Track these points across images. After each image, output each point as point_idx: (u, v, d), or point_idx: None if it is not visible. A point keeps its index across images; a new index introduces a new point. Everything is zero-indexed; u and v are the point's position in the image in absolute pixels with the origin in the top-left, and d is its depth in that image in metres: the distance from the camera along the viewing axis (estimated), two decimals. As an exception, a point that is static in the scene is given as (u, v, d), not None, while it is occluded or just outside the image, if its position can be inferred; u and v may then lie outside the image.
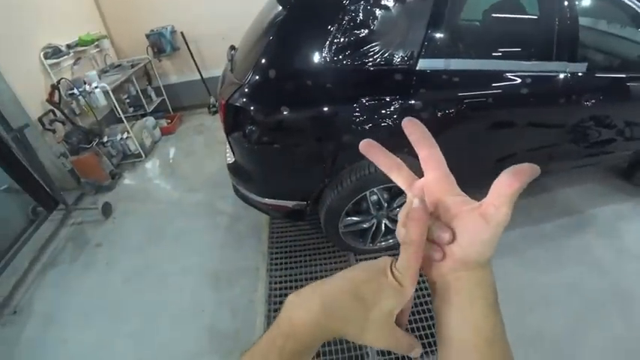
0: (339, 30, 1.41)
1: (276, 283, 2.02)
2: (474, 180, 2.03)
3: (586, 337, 1.78)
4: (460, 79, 1.58)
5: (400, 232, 0.31)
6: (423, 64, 1.51)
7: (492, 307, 0.31)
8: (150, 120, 3.57)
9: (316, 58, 1.44)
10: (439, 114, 1.58)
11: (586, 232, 2.46)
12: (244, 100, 1.49)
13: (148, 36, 3.53)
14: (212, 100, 4.06)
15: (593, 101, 1.87)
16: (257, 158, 1.65)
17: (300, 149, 1.60)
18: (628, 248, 2.33)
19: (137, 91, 3.66)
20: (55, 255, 2.45)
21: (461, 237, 0.30)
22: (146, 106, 3.72)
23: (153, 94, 3.87)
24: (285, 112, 1.47)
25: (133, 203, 2.84)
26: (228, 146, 1.97)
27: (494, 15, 1.79)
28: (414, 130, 0.34)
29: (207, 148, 3.51)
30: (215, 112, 4.09)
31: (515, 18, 1.80)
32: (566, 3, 1.64)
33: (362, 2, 1.41)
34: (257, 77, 1.48)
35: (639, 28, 1.94)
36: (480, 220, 0.28)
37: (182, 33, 3.66)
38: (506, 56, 1.68)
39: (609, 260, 2.24)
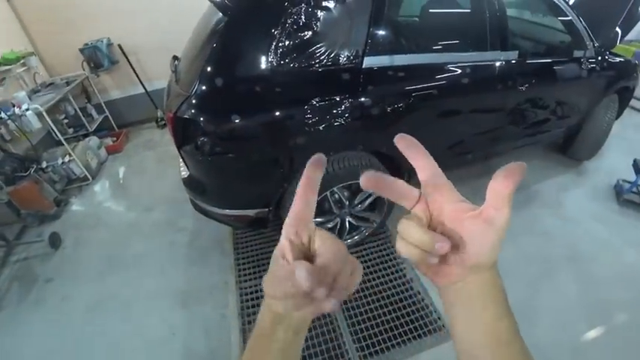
0: (283, 33, 1.40)
1: (247, 294, 1.96)
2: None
3: (545, 301, 1.93)
4: (405, 74, 1.64)
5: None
6: (368, 61, 1.55)
7: (504, 308, 0.32)
8: (93, 140, 3.32)
9: (262, 62, 1.42)
10: (389, 109, 1.62)
11: (533, 205, 2.67)
12: (193, 111, 1.43)
13: (82, 50, 3.26)
14: (159, 113, 3.87)
15: (527, 85, 2.03)
16: (212, 170, 1.59)
17: (256, 156, 1.57)
18: (571, 215, 2.57)
19: (76, 110, 3.38)
20: (-3, 299, 2.19)
21: (470, 244, 0.31)
22: (87, 125, 3.44)
23: (94, 112, 3.60)
24: (236, 120, 1.43)
25: (85, 230, 2.62)
26: (181, 160, 1.88)
27: (431, 10, 1.87)
28: (406, 144, 0.34)
29: (159, 163, 3.33)
30: (164, 126, 3.89)
31: (451, 12, 1.90)
32: (491, 1, 1.77)
33: (303, 4, 1.40)
34: (204, 87, 1.42)
35: (558, 17, 2.14)
36: (485, 225, 0.30)
37: (120, 45, 3.43)
38: (445, 49, 1.77)
39: (556, 228, 2.45)
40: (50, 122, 2.84)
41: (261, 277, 2.04)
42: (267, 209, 1.73)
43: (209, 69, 1.41)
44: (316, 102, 1.49)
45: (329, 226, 1.96)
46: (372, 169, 0.34)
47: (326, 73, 1.50)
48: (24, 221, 2.65)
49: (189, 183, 1.77)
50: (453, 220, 0.32)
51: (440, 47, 1.76)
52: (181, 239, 2.41)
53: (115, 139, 3.61)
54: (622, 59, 2.59)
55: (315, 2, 1.42)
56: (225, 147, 1.49)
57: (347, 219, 1.97)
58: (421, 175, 0.34)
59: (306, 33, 1.43)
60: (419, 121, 1.78)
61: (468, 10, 1.84)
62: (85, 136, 3.41)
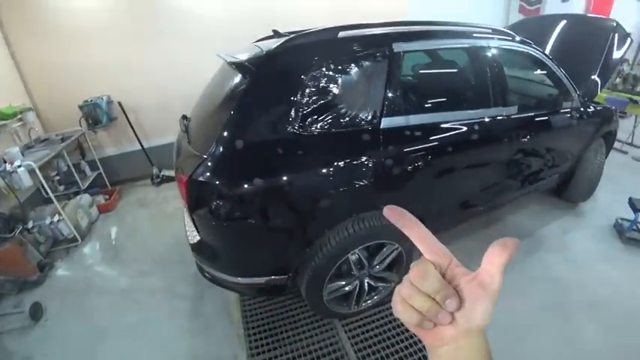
0: (304, 97, 1.43)
1: (259, 367, 1.77)
2: (440, 223, 2.08)
3: (574, 352, 1.87)
4: (421, 133, 1.68)
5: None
6: (385, 122, 1.58)
7: None
8: (85, 198, 3.17)
9: (283, 125, 1.42)
10: (408, 167, 1.64)
11: (540, 250, 2.66)
12: (210, 174, 1.38)
13: (81, 107, 3.25)
14: (155, 170, 3.79)
15: (527, 137, 2.13)
16: (228, 236, 1.50)
17: (277, 221, 1.50)
18: (579, 259, 2.57)
19: (69, 167, 3.26)
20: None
21: (468, 305, 0.32)
22: (80, 182, 3.31)
23: (87, 169, 3.49)
24: (256, 184, 1.38)
25: (71, 298, 2.38)
26: (190, 224, 1.79)
27: (439, 72, 2.00)
28: (397, 216, 0.36)
29: (154, 223, 3.17)
30: (159, 183, 3.81)
31: (457, 73, 2.03)
32: (491, 57, 1.91)
33: (323, 70, 1.45)
34: (222, 149, 1.39)
35: (546, 73, 2.32)
36: (479, 289, 0.32)
37: (120, 103, 3.46)
38: (455, 108, 1.85)
39: (567, 272, 2.42)
40: (42, 179, 2.70)
41: (275, 348, 1.87)
42: (286, 276, 1.63)
43: (228, 131, 1.39)
44: (338, 164, 1.48)
45: (347, 289, 1.85)
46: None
47: (346, 136, 1.52)
48: (1, 289, 2.40)
49: (200, 249, 1.66)
50: (452, 282, 0.34)
51: (449, 106, 1.85)
52: (182, 307, 2.22)
53: (107, 196, 3.46)
54: (602, 107, 2.80)
55: (334, 68, 1.47)
56: (245, 212, 1.43)
57: (366, 280, 1.87)
58: (420, 245, 0.35)
59: (325, 97, 1.46)
60: (435, 178, 1.80)
61: (472, 71, 1.97)
62: (77, 193, 3.26)
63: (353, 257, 1.73)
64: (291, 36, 1.50)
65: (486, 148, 1.97)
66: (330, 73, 1.47)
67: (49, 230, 2.78)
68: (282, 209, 1.48)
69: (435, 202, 1.93)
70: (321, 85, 1.45)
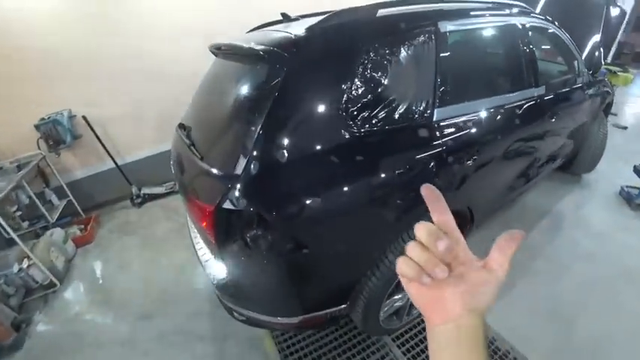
0: (353, 89, 1.17)
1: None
2: (495, 210, 1.92)
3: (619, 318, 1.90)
4: (473, 121, 1.50)
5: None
6: (438, 113, 1.37)
7: (486, 354, 0.36)
8: (57, 232, 2.69)
9: (335, 127, 1.16)
10: (467, 161, 1.45)
11: (564, 228, 2.65)
12: (247, 199, 1.08)
13: (38, 126, 2.71)
14: (134, 189, 3.34)
15: (555, 116, 2.03)
16: (277, 272, 1.20)
17: (339, 244, 1.24)
18: (600, 231, 2.59)
19: (31, 198, 2.74)
20: None
21: (468, 285, 0.35)
22: (47, 214, 2.80)
23: (54, 198, 2.97)
24: (313, 205, 1.11)
25: (60, 358, 1.98)
26: (207, 257, 1.49)
27: (482, 57, 1.82)
28: (431, 196, 0.37)
29: (144, 252, 2.76)
30: (142, 203, 3.36)
31: (498, 56, 1.87)
32: (525, 35, 1.77)
33: (370, 54, 1.20)
34: (260, 164, 1.09)
35: (562, 50, 2.24)
36: (486, 273, 0.35)
37: (84, 117, 2.95)
38: (498, 92, 1.70)
39: (596, 247, 2.43)
40: (-1, 219, 2.22)
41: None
42: (345, 305, 1.38)
43: (265, 140, 1.10)
44: (398, 168, 1.24)
45: (400, 304, 1.65)
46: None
47: (401, 133, 1.29)
48: (-33, 364, 1.95)
49: (230, 289, 1.36)
50: (459, 264, 0.36)
51: (494, 90, 1.69)
52: (203, 351, 1.89)
53: (82, 227, 2.98)
54: (603, 79, 2.79)
55: (381, 51, 1.23)
56: (300, 241, 1.14)
57: None
58: (443, 228, 0.37)
59: (376, 88, 1.22)
60: (489, 167, 1.64)
61: (510, 51, 1.82)
62: (45, 228, 2.76)
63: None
64: (325, 16, 1.21)
65: (526, 129, 1.85)
66: (378, 58, 1.21)
67: (18, 279, 2.31)
68: (344, 229, 1.22)
69: (489, 191, 1.79)
70: (369, 73, 1.20)
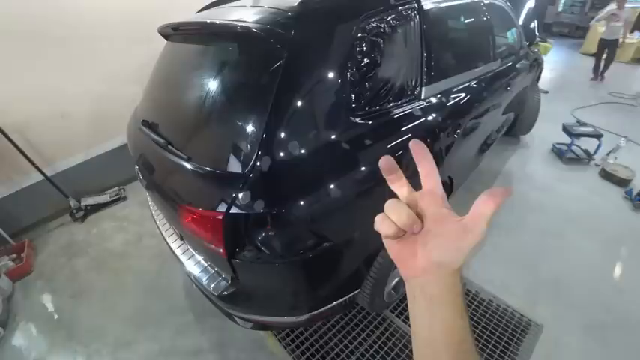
0: (355, 70, 1.10)
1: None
2: (466, 176, 2.07)
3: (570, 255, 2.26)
4: (452, 96, 1.56)
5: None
6: (426, 92, 1.40)
7: (461, 311, 0.35)
8: (-17, 268, 2.21)
9: (343, 111, 1.09)
10: (449, 132, 1.52)
11: (514, 184, 2.99)
12: (264, 200, 0.98)
13: None
14: (72, 202, 2.87)
15: (509, 85, 2.22)
16: (297, 273, 1.13)
17: (357, 231, 1.19)
18: (543, 185, 2.98)
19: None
20: None
21: (439, 240, 0.34)
22: (-35, 250, 2.28)
23: (-32, 227, 2.42)
24: (334, 194, 1.04)
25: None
26: (206, 269, 1.36)
27: (456, 34, 1.86)
28: (419, 150, 0.38)
29: (103, 271, 2.40)
30: (85, 217, 2.91)
31: (467, 34, 1.94)
32: (488, 12, 1.90)
33: (365, 30, 1.14)
34: (271, 160, 0.99)
35: (508, 24, 2.43)
36: (460, 229, 0.34)
37: (-6, 124, 2.40)
38: (470, 67, 1.78)
39: (542, 199, 2.80)
40: None
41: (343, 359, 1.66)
42: (358, 290, 1.37)
43: (275, 132, 0.99)
44: (400, 146, 1.23)
45: (397, 278, 1.71)
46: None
47: (398, 112, 1.27)
48: None
49: (239, 298, 1.25)
50: (433, 219, 0.36)
51: (467, 65, 1.77)
52: (205, 363, 1.77)
53: (14, 256, 2.49)
54: (535, 49, 3.11)
55: (377, 30, 1.17)
56: (322, 235, 1.07)
57: None
58: (424, 180, 0.38)
59: (375, 69, 1.17)
60: (467, 137, 1.74)
61: (477, 28, 1.93)
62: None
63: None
64: None
65: (490, 99, 1.99)
66: (373, 34, 1.16)
67: (-59, 333, 1.87)
68: (359, 213, 1.17)
69: (465, 159, 1.92)
70: (367, 51, 1.14)
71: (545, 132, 3.69)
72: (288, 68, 1.00)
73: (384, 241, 0.38)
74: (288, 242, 1.04)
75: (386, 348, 1.73)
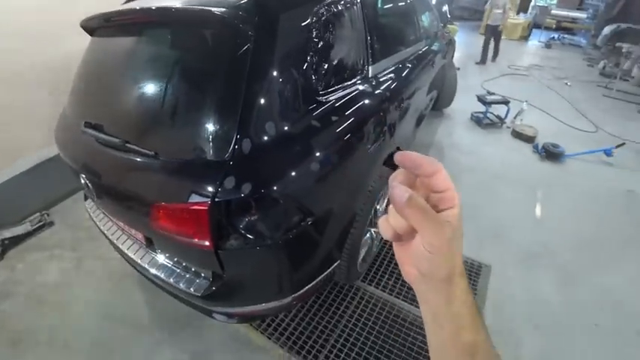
0: (315, 50, 1.15)
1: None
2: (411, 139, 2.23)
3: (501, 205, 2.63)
4: (394, 72, 1.73)
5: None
6: (372, 70, 1.54)
7: (469, 322, 0.31)
8: None
9: (311, 91, 1.13)
10: (395, 105, 1.67)
11: (445, 151, 3.36)
12: (251, 183, 0.96)
13: None
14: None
15: (434, 62, 2.48)
16: (285, 251, 1.13)
17: (335, 204, 1.24)
18: (469, 149, 3.41)
19: None
20: None
21: (414, 252, 0.31)
22: None
23: None
24: (313, 169, 1.07)
25: None
26: (175, 266, 1.30)
27: (393, 18, 2.03)
28: (408, 158, 0.32)
29: (40, 309, 2.02)
30: (3, 254, 2.45)
31: (400, 17, 2.12)
32: (410, 2, 2.14)
33: (319, 14, 1.18)
34: (251, 142, 0.98)
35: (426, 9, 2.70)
36: (420, 245, 0.29)
37: None
38: (404, 46, 1.98)
39: (470, 161, 3.22)
40: None
41: (326, 340, 1.73)
42: (339, 261, 1.43)
43: (252, 115, 0.98)
44: (359, 121, 1.32)
45: (366, 247, 1.83)
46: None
47: (353, 90, 1.36)
48: None
49: (223, 292, 1.21)
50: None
51: (402, 45, 1.96)
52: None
53: None
54: (448, 32, 3.50)
55: (329, 14, 1.23)
56: (304, 211, 1.09)
57: (373, 230, 1.92)
58: (435, 188, 0.33)
59: (331, 48, 1.23)
60: (408, 109, 1.92)
61: (407, 12, 2.14)
62: None
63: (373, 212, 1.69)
64: None
65: (422, 75, 2.23)
66: (326, 18, 1.22)
67: None
68: (335, 187, 1.23)
69: (408, 130, 2.10)
70: (322, 33, 1.19)
71: (463, 104, 4.19)
72: (257, 51, 1.00)
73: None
74: (274, 223, 1.05)
75: (365, 315, 1.83)
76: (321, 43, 1.19)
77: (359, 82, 1.42)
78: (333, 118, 1.20)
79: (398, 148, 1.95)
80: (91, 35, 1.46)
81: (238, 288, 1.23)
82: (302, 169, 1.07)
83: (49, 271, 2.33)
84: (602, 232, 2.40)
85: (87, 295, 2.12)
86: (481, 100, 3.74)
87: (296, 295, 1.29)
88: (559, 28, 9.96)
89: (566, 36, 9.37)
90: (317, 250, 1.29)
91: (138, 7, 1.19)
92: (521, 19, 9.05)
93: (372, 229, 1.90)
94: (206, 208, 0.94)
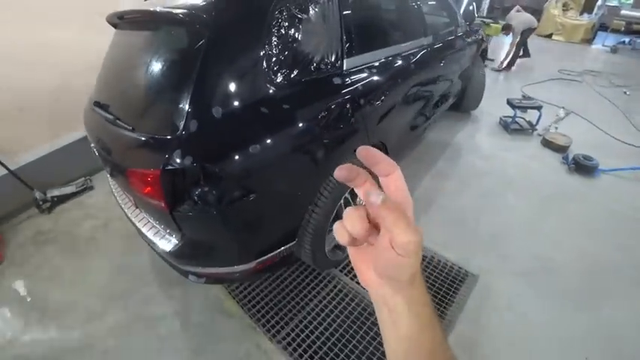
0: (272, 46, 1.27)
1: (289, 344, 1.72)
2: (405, 144, 2.28)
3: (509, 215, 2.50)
4: (375, 68, 1.74)
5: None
6: (347, 64, 1.58)
7: (428, 322, 0.32)
8: (-49, 259, 2.27)
9: (260, 82, 1.25)
10: (372, 101, 1.69)
11: (462, 154, 3.21)
12: (193, 156, 1.13)
13: None
14: (37, 194, 2.92)
15: (443, 61, 2.41)
16: (232, 220, 1.29)
17: (279, 185, 1.37)
18: (489, 154, 3.22)
19: None
20: None
21: (380, 253, 0.30)
22: None
23: None
24: (253, 152, 1.20)
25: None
26: (157, 228, 1.50)
27: (383, 12, 2.05)
28: (374, 159, 0.33)
29: (73, 256, 2.49)
30: (51, 208, 2.97)
31: (391, 14, 2.11)
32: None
33: (282, 11, 1.29)
34: (199, 122, 1.15)
35: (443, 7, 2.62)
36: (389, 248, 0.29)
37: (-51, 118, 2.43)
38: (395, 42, 1.96)
39: (487, 166, 3.03)
40: None
41: (291, 319, 1.84)
42: (294, 241, 1.55)
43: (199, 99, 1.15)
44: (319, 114, 1.41)
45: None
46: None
47: (318, 83, 1.44)
48: None
49: (185, 251, 1.41)
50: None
51: (393, 40, 1.95)
52: (169, 328, 1.90)
53: (-18, 248, 2.55)
54: (477, 29, 3.32)
55: (294, 11, 1.33)
56: (247, 187, 1.24)
57: None
58: (387, 186, 0.33)
59: (292, 43, 1.33)
60: (395, 106, 1.91)
61: (401, 8, 2.11)
62: None
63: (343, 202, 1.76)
64: None
65: (422, 72, 2.18)
66: (289, 16, 1.32)
67: None
68: (281, 171, 1.35)
69: (397, 127, 2.08)
70: (284, 30, 1.30)
71: (495, 107, 3.95)
72: (209, 44, 1.16)
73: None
74: (217, 194, 1.20)
75: (334, 303, 1.91)
76: (281, 36, 1.29)
77: (330, 74, 1.49)
78: (285, 106, 1.31)
79: (382, 143, 1.96)
80: (114, 28, 1.73)
81: (200, 249, 1.41)
82: (244, 151, 1.20)
83: (82, 227, 2.77)
84: (615, 260, 2.15)
85: (107, 249, 2.50)
86: (510, 103, 3.51)
87: (256, 261, 1.44)
88: (630, 32, 8.70)
89: (639, 40, 8.13)
90: (265, 224, 1.42)
91: (135, 8, 1.42)
92: (584, 20, 8.05)
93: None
94: (158, 173, 1.13)
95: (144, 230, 1.58)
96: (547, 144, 3.27)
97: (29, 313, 2.15)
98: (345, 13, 1.53)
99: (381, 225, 0.29)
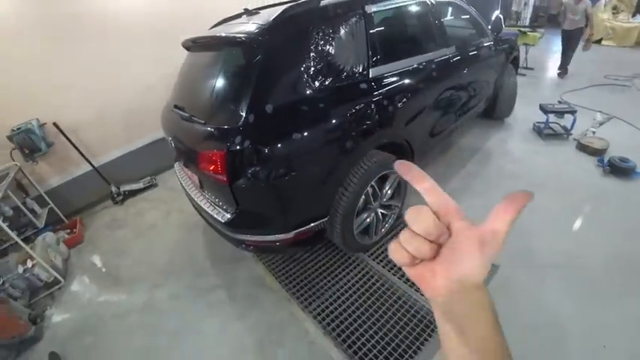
0: (311, 60, 1.64)
1: (322, 313, 1.95)
2: (430, 146, 2.50)
3: (541, 217, 2.47)
4: (400, 76, 2.03)
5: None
6: (373, 72, 1.89)
7: (494, 327, 0.32)
8: (49, 236, 2.80)
9: (301, 87, 1.61)
10: (397, 104, 1.99)
11: (492, 159, 3.28)
12: (250, 141, 1.48)
13: (10, 137, 2.77)
14: (113, 188, 3.49)
15: (466, 69, 2.59)
16: (275, 194, 1.63)
17: (315, 168, 1.68)
18: (520, 157, 3.26)
19: (17, 208, 2.83)
20: None
21: (456, 255, 0.32)
22: (36, 221, 2.91)
23: (36, 206, 3.04)
24: (295, 139, 1.54)
25: (88, 336, 2.18)
26: (213, 205, 1.85)
27: (403, 27, 2.35)
28: (407, 170, 0.35)
29: (139, 238, 2.98)
30: (123, 200, 3.52)
31: (417, 24, 2.39)
32: (434, 9, 2.35)
33: (318, 33, 1.66)
34: (256, 116, 1.50)
35: (468, 18, 2.81)
36: (477, 243, 0.31)
37: (55, 124, 3.05)
38: (417, 53, 2.23)
39: (516, 169, 3.06)
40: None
41: (322, 294, 2.06)
42: (326, 218, 1.83)
43: (257, 99, 1.52)
44: (349, 112, 1.73)
45: (368, 221, 2.12)
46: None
47: (348, 87, 1.77)
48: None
49: (238, 221, 1.73)
50: (451, 234, 0.33)
51: (415, 51, 2.22)
52: (218, 297, 2.23)
53: (68, 230, 3.10)
54: (507, 37, 3.44)
55: (326, 31, 1.69)
56: (288, 167, 1.57)
57: (379, 211, 2.18)
58: (428, 198, 0.34)
59: (326, 57, 1.69)
60: (417, 109, 2.17)
61: (424, 21, 2.37)
62: (35, 234, 2.87)
63: (370, 190, 1.99)
64: (284, 8, 1.67)
65: (444, 79, 2.39)
66: (324, 36, 1.68)
67: (22, 281, 2.45)
68: (317, 156, 1.66)
69: (421, 128, 2.30)
70: (320, 47, 1.66)
71: (530, 114, 3.95)
72: (263, 59, 1.55)
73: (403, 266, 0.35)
74: (267, 170, 1.54)
75: (361, 282, 2.12)
76: (317, 52, 1.64)
77: (358, 81, 1.81)
78: (321, 105, 1.64)
79: (407, 142, 2.18)
80: (187, 50, 2.18)
81: (249, 220, 1.73)
82: (288, 138, 1.54)
83: (148, 216, 3.25)
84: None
85: (167, 234, 2.94)
86: (542, 108, 3.53)
87: (291, 234, 1.74)
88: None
89: None
90: (301, 199, 1.72)
91: (206, 35, 1.88)
92: (637, 22, 7.58)
93: (379, 210, 2.19)
94: (223, 154, 1.47)
95: (205, 207, 1.93)
96: (583, 148, 3.24)
97: (103, 280, 2.62)
98: (370, 31, 1.86)
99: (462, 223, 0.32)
